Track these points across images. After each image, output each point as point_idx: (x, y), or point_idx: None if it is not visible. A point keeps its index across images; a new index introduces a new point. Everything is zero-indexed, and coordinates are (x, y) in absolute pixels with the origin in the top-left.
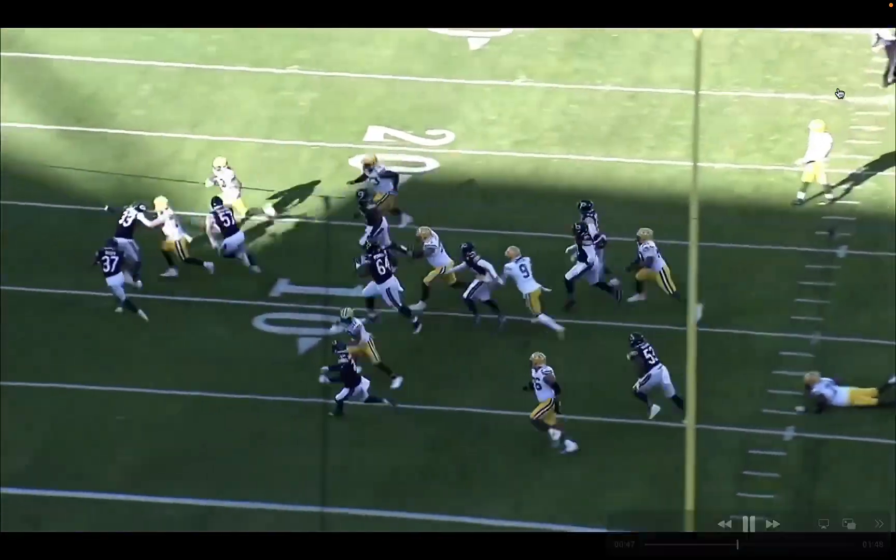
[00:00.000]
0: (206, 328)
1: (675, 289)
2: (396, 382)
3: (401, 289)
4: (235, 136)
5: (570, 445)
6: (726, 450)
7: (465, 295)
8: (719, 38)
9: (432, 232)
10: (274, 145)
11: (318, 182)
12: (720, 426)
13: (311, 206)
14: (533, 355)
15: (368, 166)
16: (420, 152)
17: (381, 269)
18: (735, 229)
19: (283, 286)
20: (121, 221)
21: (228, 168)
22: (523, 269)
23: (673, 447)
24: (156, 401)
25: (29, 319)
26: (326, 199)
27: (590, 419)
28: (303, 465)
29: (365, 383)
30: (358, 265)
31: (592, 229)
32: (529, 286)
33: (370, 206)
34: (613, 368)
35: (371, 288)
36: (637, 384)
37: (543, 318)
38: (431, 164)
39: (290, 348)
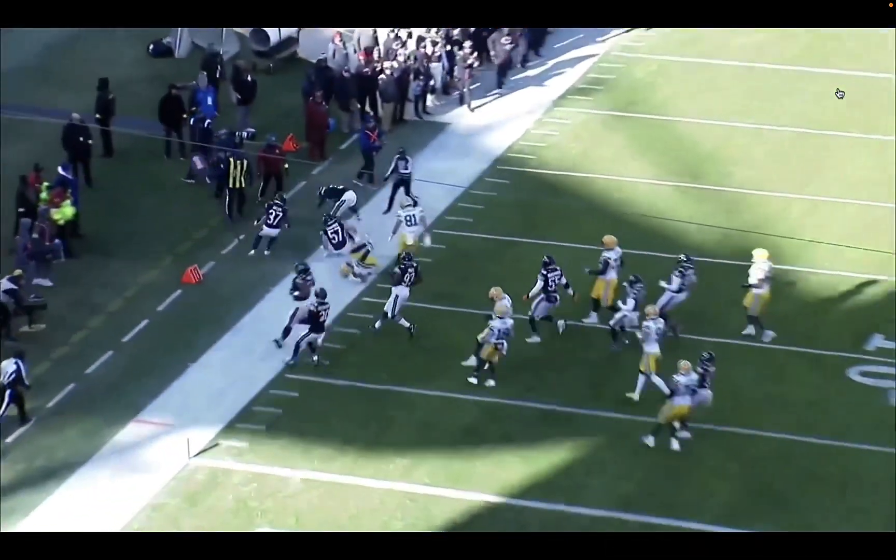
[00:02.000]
0: (801, 375)
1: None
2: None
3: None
4: (839, 198)
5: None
6: None
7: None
8: None
9: (503, 292)
10: (875, 207)
11: None
12: None
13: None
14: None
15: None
16: None
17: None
18: None
19: (877, 341)
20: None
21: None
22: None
23: None
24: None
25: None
26: None
27: None
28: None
29: (323, 334)
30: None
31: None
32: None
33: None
34: None
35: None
36: (613, 320)
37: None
38: None
39: (880, 398)
